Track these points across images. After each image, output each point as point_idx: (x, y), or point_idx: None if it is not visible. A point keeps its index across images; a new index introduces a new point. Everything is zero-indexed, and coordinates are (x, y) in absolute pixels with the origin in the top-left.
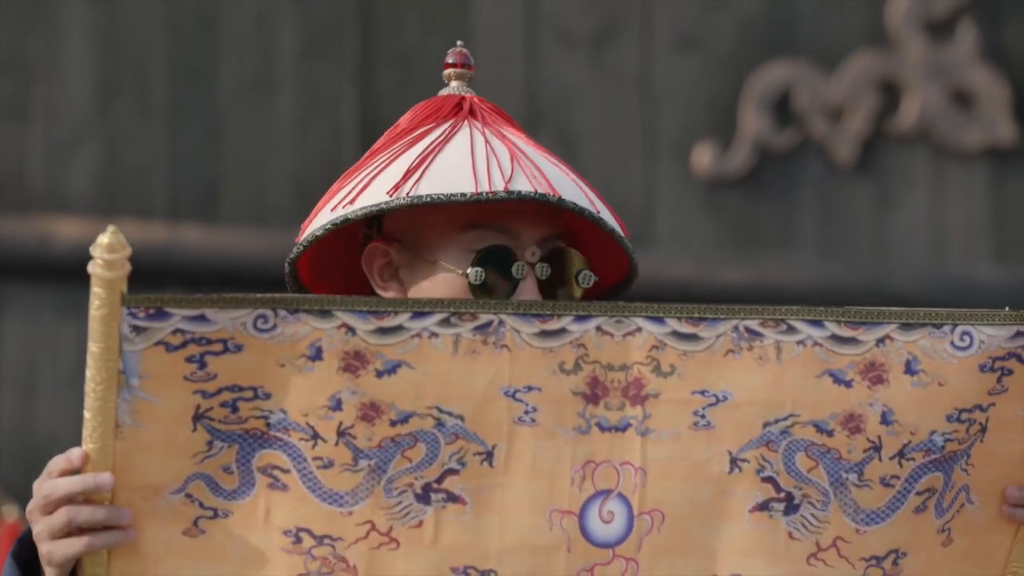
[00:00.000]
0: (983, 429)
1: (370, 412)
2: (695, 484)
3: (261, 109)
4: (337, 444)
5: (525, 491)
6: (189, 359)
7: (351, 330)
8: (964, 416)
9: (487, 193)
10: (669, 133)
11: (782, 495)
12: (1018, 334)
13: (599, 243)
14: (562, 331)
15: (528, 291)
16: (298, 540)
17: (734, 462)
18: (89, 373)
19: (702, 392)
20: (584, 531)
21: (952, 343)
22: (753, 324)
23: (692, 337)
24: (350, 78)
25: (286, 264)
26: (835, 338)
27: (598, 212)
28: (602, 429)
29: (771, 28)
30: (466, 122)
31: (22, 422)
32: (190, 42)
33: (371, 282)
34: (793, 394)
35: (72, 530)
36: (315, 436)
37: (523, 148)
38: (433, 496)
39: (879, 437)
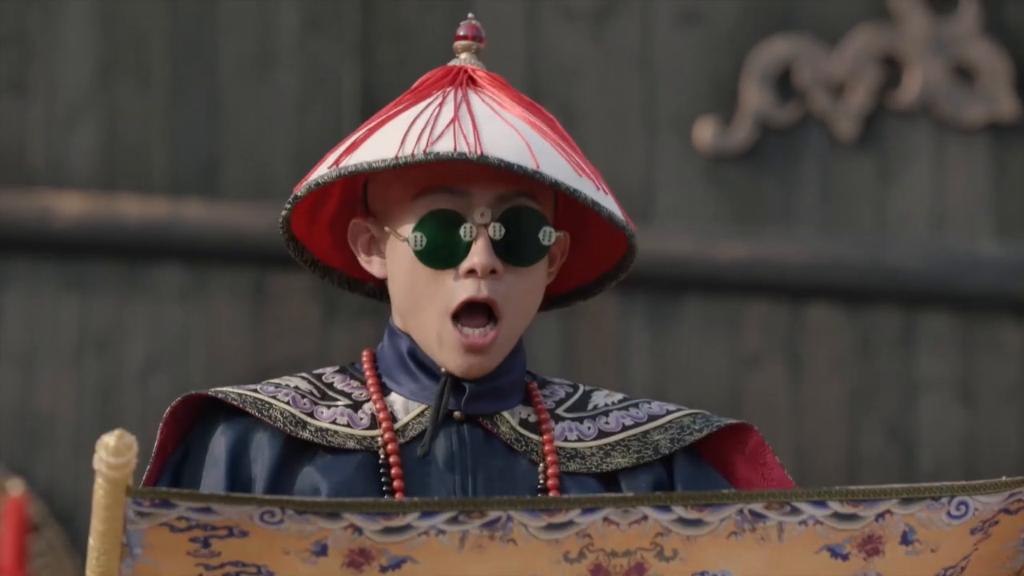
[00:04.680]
0: (962, 569)
1: None
2: None
3: (261, 85)
4: None
5: None
6: (193, 539)
7: (358, 530)
8: (950, 572)
9: (403, 157)
10: (670, 108)
11: None
12: (1011, 495)
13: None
14: (569, 523)
15: (479, 252)
16: None
17: None
18: (92, 543)
19: (701, 574)
20: None
21: (948, 513)
22: (758, 507)
23: (697, 523)
24: (350, 53)
25: (281, 218)
26: (837, 516)
27: (537, 167)
28: None
29: (772, 3)
30: (451, 90)
31: (22, 397)
32: (190, 17)
33: (356, 257)
34: (790, 570)
35: None
36: None
37: (482, 114)
38: None
39: None
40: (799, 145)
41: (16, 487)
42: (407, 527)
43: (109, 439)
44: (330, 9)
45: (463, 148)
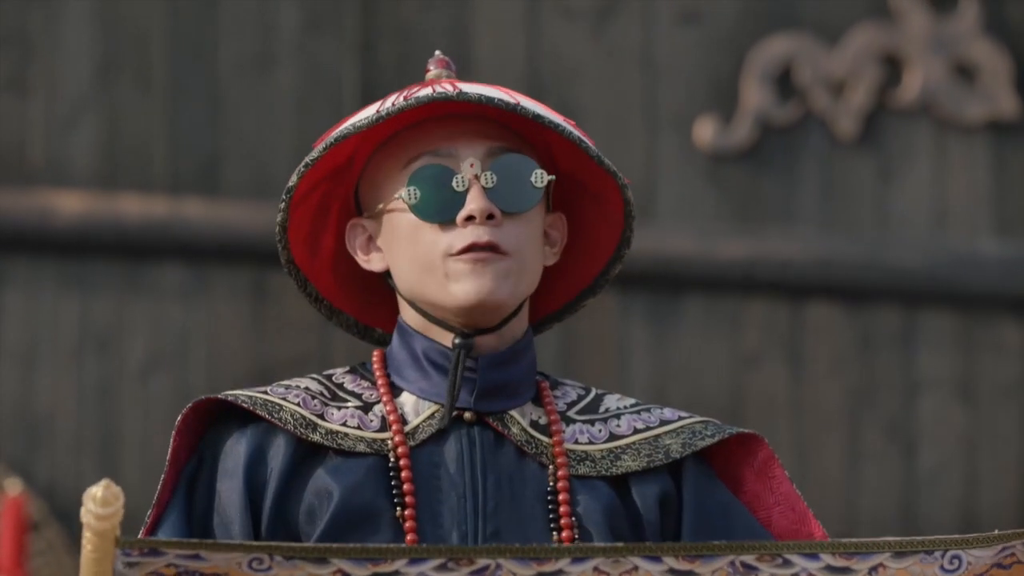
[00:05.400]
0: None
1: None
2: None
3: (262, 84)
4: None
5: None
6: None
7: None
8: None
9: (384, 110)
10: (670, 107)
11: None
12: (1003, 548)
13: (598, 176)
14: (559, 572)
15: (475, 199)
16: None
17: None
18: None
19: None
20: None
21: (942, 567)
22: (750, 559)
23: (688, 574)
24: (351, 53)
25: (277, 228)
26: (829, 568)
27: (517, 103)
28: None
29: (772, 2)
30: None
31: (22, 396)
32: (190, 16)
33: (356, 260)
34: None
35: None
36: None
37: (460, 84)
38: None
39: None
40: (799, 144)
41: (15, 486)
42: (395, 574)
43: (96, 490)
44: (330, 8)
45: (441, 91)
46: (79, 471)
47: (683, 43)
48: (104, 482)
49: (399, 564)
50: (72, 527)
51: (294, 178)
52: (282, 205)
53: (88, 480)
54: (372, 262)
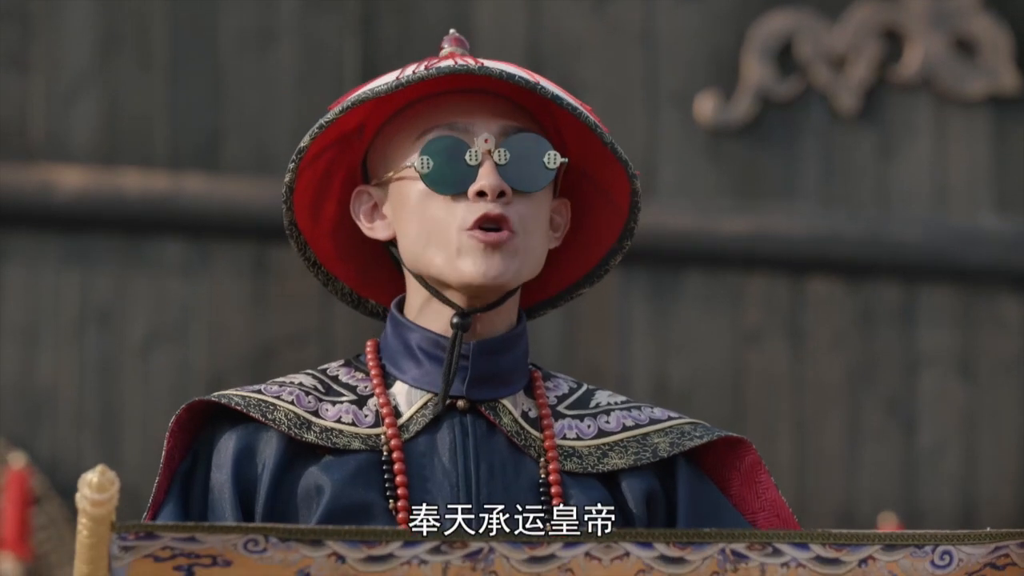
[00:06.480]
0: None
1: None
2: None
3: (262, 60)
4: None
5: None
6: (177, 568)
7: (341, 558)
8: None
9: (404, 78)
10: (671, 83)
11: None
12: (996, 548)
13: (606, 165)
14: (551, 557)
15: (487, 175)
16: None
17: None
18: None
19: None
20: None
21: (932, 562)
22: (740, 547)
23: (679, 560)
24: (351, 29)
25: (284, 192)
26: (819, 559)
27: (537, 82)
28: None
29: None
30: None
31: (24, 371)
32: None
33: (360, 227)
34: None
35: None
36: None
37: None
38: None
39: None
40: (800, 119)
41: (18, 460)
42: (390, 556)
43: (92, 476)
44: None
45: (463, 64)
46: (80, 446)
47: (684, 19)
48: (99, 467)
49: (393, 547)
50: (74, 502)
51: (306, 139)
52: (291, 166)
53: (89, 455)
54: (376, 230)
